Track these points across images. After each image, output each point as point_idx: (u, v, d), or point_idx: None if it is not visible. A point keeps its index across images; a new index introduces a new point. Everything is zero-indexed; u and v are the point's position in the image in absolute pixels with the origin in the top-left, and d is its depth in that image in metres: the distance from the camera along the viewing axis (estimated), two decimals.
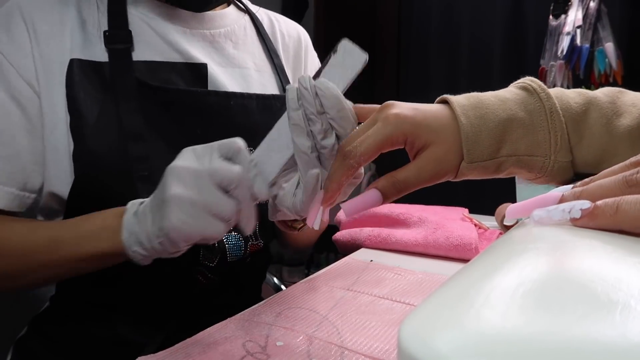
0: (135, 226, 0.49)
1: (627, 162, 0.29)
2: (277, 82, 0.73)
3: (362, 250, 0.86)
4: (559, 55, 1.45)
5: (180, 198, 0.43)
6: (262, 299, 0.78)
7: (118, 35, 0.60)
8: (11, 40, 0.57)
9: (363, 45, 0.44)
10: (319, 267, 2.17)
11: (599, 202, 0.25)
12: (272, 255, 0.78)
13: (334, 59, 0.44)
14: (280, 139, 0.46)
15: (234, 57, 0.69)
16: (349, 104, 0.43)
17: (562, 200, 0.29)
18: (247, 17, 0.74)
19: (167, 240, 0.46)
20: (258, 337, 0.50)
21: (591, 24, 1.42)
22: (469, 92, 0.44)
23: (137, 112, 0.58)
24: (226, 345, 0.48)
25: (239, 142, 0.46)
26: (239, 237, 0.66)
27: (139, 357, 0.45)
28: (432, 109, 0.42)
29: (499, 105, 0.41)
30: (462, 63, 2.14)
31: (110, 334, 0.62)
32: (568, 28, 1.43)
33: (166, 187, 0.44)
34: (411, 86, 2.29)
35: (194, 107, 0.61)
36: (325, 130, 0.43)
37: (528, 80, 0.42)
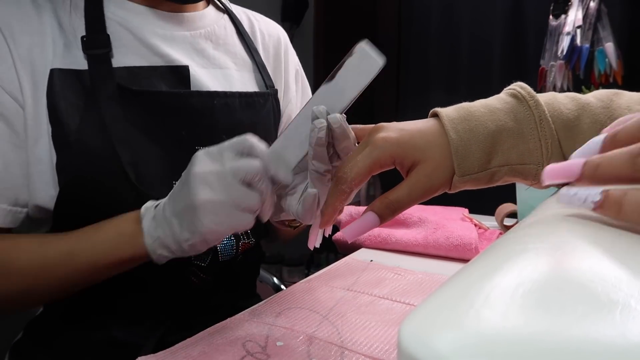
0: (158, 231, 0.50)
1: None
2: (259, 79, 0.73)
3: (362, 250, 0.86)
4: (559, 55, 1.45)
5: (211, 202, 0.46)
6: (257, 296, 0.78)
7: (96, 39, 0.58)
8: None
9: None
10: (319, 267, 2.17)
11: (608, 191, 0.25)
12: (264, 252, 0.78)
13: (349, 62, 0.44)
14: (297, 137, 0.47)
15: (215, 57, 0.68)
16: (352, 133, 0.46)
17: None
18: (226, 17, 0.74)
19: (199, 242, 0.48)
20: (258, 337, 0.50)
21: (591, 24, 1.41)
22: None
23: (121, 118, 0.57)
24: (226, 345, 0.48)
25: (250, 138, 0.48)
26: (231, 237, 0.66)
27: (138, 358, 0.46)
28: (420, 126, 0.43)
29: (489, 116, 0.41)
30: (462, 63, 2.14)
31: (105, 336, 0.62)
32: (568, 28, 1.43)
33: (194, 194, 0.46)
34: (411, 86, 2.29)
35: (178, 109, 0.61)
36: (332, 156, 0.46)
37: (518, 87, 0.43)
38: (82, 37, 0.58)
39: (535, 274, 0.20)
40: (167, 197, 0.51)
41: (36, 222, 0.61)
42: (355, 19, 2.45)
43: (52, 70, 0.56)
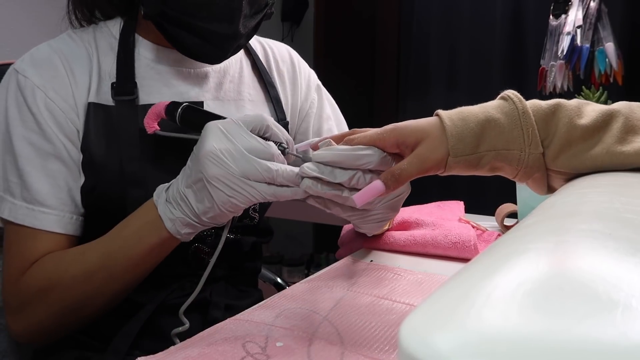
0: (175, 212, 0.55)
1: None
2: (272, 111, 0.78)
3: (362, 250, 0.86)
4: (559, 55, 1.45)
5: (222, 176, 0.51)
6: (259, 291, 0.80)
7: (125, 87, 0.66)
8: (57, 88, 0.63)
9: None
10: (319, 267, 2.17)
11: None
12: (271, 228, 0.81)
13: None
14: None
15: (229, 90, 0.74)
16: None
17: None
18: (242, 51, 0.79)
19: (218, 214, 0.54)
20: (258, 338, 0.50)
21: (591, 24, 1.41)
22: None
23: (138, 158, 0.65)
24: (226, 346, 0.48)
25: (266, 118, 0.54)
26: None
27: (138, 358, 0.46)
28: (422, 120, 0.51)
29: (479, 109, 0.49)
30: (462, 63, 2.13)
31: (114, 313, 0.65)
32: (568, 28, 1.43)
33: (206, 170, 0.51)
34: (411, 86, 2.29)
35: (190, 150, 0.66)
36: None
37: (507, 92, 0.50)
38: (112, 84, 0.65)
39: (536, 273, 0.20)
40: (179, 176, 0.56)
41: None
42: (356, 19, 2.45)
43: (89, 104, 0.64)
